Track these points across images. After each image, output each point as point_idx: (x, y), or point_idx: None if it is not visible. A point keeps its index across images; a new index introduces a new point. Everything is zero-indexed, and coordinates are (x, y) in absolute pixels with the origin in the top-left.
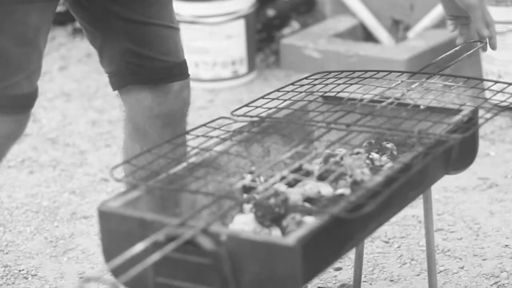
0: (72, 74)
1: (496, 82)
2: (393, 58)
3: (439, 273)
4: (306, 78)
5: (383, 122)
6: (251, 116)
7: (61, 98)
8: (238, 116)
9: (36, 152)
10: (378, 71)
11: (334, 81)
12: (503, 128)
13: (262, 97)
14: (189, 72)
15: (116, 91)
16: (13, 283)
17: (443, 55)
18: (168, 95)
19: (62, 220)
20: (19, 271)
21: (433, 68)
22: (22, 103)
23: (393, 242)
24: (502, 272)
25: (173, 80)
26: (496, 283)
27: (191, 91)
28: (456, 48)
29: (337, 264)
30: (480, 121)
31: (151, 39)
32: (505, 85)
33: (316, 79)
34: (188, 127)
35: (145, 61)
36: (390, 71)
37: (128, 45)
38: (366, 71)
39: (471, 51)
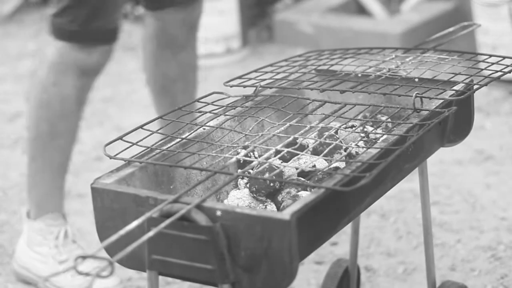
0: None
1: (490, 55)
2: (387, 32)
3: (436, 246)
4: (299, 56)
5: (378, 89)
6: (244, 86)
7: None
8: (231, 86)
9: None
10: (372, 48)
11: (328, 56)
12: (498, 100)
13: (256, 71)
14: None
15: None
16: (8, 262)
17: (438, 34)
18: (195, 10)
19: None
20: (13, 250)
21: (427, 44)
22: (114, 36)
23: (389, 216)
24: (499, 244)
25: None
26: (493, 255)
27: None
28: (451, 29)
29: (333, 239)
30: (475, 87)
31: None
32: (500, 58)
33: (310, 55)
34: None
35: None
36: (384, 48)
37: None
38: (360, 49)
39: (466, 31)
